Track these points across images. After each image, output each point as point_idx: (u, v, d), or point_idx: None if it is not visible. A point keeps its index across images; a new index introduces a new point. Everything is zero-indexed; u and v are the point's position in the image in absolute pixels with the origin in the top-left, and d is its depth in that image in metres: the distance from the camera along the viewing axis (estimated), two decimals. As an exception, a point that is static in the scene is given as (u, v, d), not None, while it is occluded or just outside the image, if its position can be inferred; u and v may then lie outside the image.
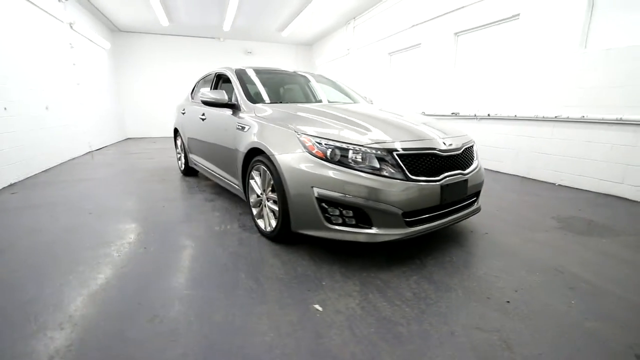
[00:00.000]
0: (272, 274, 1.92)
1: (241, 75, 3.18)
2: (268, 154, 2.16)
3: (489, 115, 4.93)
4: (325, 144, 1.95)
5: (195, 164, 4.09)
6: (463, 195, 2.16)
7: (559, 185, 4.06)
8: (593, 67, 3.63)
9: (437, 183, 1.96)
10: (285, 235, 2.23)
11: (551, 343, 1.37)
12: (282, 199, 2.10)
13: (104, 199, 3.49)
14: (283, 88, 3.35)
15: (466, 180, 2.14)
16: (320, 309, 1.59)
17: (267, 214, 2.37)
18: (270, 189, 2.29)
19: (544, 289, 1.78)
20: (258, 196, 2.47)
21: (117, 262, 2.04)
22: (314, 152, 1.96)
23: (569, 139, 3.95)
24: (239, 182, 2.76)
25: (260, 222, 2.48)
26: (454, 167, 2.10)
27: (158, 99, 10.84)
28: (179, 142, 4.72)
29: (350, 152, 1.90)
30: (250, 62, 11.53)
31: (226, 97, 2.87)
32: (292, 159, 2.02)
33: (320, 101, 3.29)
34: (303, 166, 1.97)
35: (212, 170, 3.46)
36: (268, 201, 2.33)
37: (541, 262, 2.09)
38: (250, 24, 9.36)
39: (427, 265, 2.03)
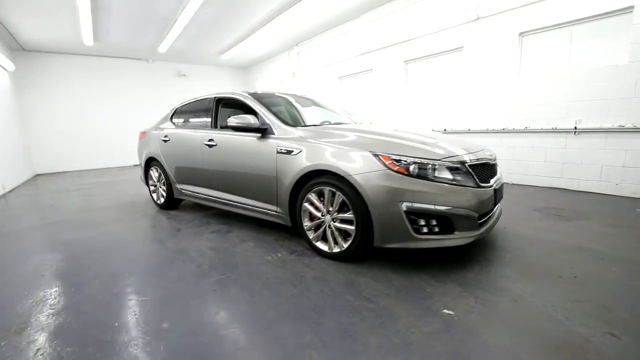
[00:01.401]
0: (376, 292, 1.93)
1: (260, 99, 3.12)
2: (342, 174, 2.20)
3: (445, 130, 5.73)
4: (405, 161, 2.11)
5: (190, 195, 3.73)
6: (501, 198, 2.54)
7: (512, 184, 4.95)
8: (528, 89, 4.63)
9: (492, 188, 2.29)
10: (359, 254, 2.27)
11: (627, 302, 1.75)
12: (363, 217, 2.15)
13: (117, 256, 2.91)
14: (297, 111, 3.38)
15: (502, 184, 2.54)
16: (451, 312, 1.70)
17: (333, 235, 2.36)
18: (337, 209, 2.31)
19: (585, 263, 2.22)
20: (317, 219, 2.44)
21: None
22: (395, 168, 2.09)
23: (515, 146, 4.88)
24: (281, 207, 2.68)
25: (321, 245, 2.45)
26: (494, 174, 2.48)
27: (77, 127, 9.34)
28: (154, 173, 4.21)
29: (429, 166, 2.10)
30: (184, 86, 10.90)
31: (257, 122, 2.79)
32: (375, 177, 2.11)
33: (340, 123, 3.39)
34: (388, 183, 2.08)
35: (225, 199, 3.22)
36: (334, 222, 2.34)
37: (561, 244, 2.58)
38: (189, 47, 8.93)
39: (492, 261, 2.31)
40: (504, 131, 4.95)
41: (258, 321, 1.67)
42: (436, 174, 2.09)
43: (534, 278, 2.04)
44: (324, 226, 2.41)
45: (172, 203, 4.12)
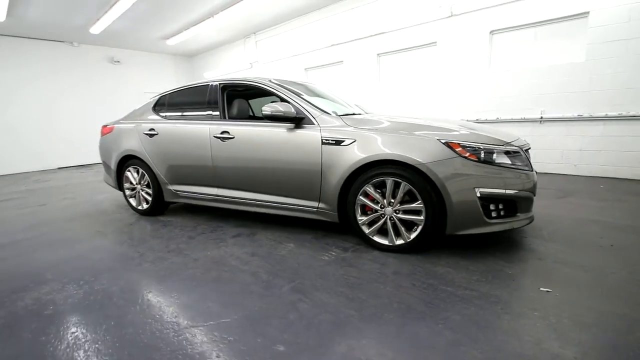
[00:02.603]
0: (465, 279, 1.91)
1: (283, 85, 2.83)
2: (413, 163, 2.11)
3: (420, 121, 6.02)
4: (474, 147, 2.12)
5: (188, 197, 3.24)
6: None
7: (485, 169, 5.44)
8: (498, 83, 5.11)
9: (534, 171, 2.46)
10: (425, 244, 2.23)
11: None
12: (433, 206, 2.11)
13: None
14: (321, 99, 3.14)
15: None
16: (549, 289, 1.77)
17: (395, 228, 2.27)
18: (399, 200, 2.22)
19: (608, 232, 2.53)
20: (372, 212, 2.33)
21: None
22: (466, 155, 2.10)
23: (487, 135, 5.37)
24: (326, 203, 2.49)
25: (379, 239, 2.35)
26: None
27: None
28: (132, 175, 3.56)
29: (495, 152, 2.15)
30: (117, 74, 9.50)
31: (294, 110, 2.53)
32: (448, 164, 2.08)
33: (354, 113, 3.24)
34: (462, 170, 2.07)
35: (245, 199, 2.88)
36: (397, 213, 2.25)
37: (574, 218, 2.90)
38: (129, 29, 7.77)
39: (535, 238, 2.48)
40: (477, 122, 5.39)
41: (385, 325, 1.52)
42: (501, 160, 2.15)
43: (581, 249, 2.25)
44: (384, 219, 2.31)
45: (159, 208, 3.54)
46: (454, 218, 2.11)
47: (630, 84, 4.06)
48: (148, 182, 3.47)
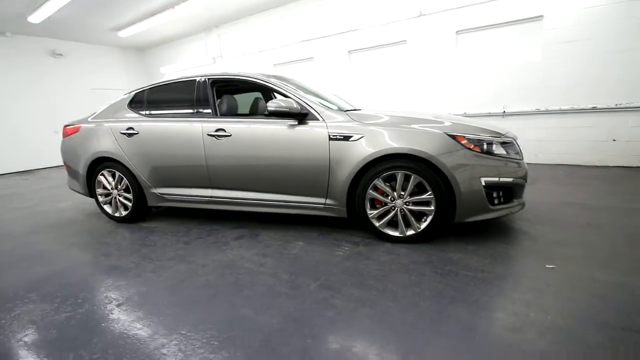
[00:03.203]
0: (480, 264, 2.03)
1: (284, 81, 2.76)
2: (424, 156, 2.18)
3: (393, 116, 6.23)
4: (477, 139, 2.25)
5: (177, 200, 3.03)
6: None
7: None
8: (465, 80, 5.46)
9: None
10: (432, 233, 2.32)
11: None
12: (443, 196, 2.21)
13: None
14: (317, 95, 3.09)
15: None
16: (552, 266, 1.96)
17: (406, 219, 2.34)
18: (410, 192, 2.29)
19: (582, 212, 2.84)
20: (382, 205, 2.38)
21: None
22: (471, 147, 2.22)
23: (456, 129, 5.72)
24: (334, 198, 2.49)
25: (390, 231, 2.40)
26: None
27: None
28: (106, 179, 3.23)
29: (494, 143, 2.30)
30: (59, 68, 8.54)
31: (298, 106, 2.48)
32: (456, 156, 2.18)
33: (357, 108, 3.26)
34: (469, 161, 2.19)
35: (244, 199, 2.77)
36: (407, 205, 2.32)
37: (550, 201, 3.22)
38: (76, 18, 7.00)
39: (524, 222, 2.71)
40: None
41: (425, 313, 1.56)
42: (499, 150, 2.31)
43: (565, 228, 2.51)
44: (394, 211, 2.37)
45: (140, 214, 3.26)
46: (462, 206, 2.23)
47: (580, 81, 4.59)
48: (127, 186, 3.17)
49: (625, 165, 4.51)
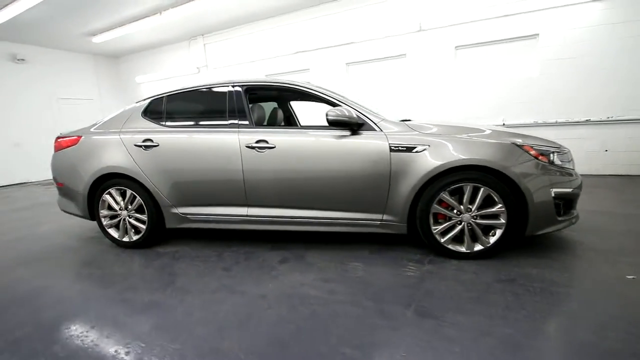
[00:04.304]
0: (561, 278, 1.96)
1: (329, 89, 2.58)
2: (497, 167, 2.09)
3: (393, 128, 6.24)
4: (544, 150, 2.22)
5: (204, 221, 2.69)
6: None
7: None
8: (464, 93, 5.62)
9: None
10: (500, 248, 2.23)
11: None
12: (514, 209, 2.12)
13: None
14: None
15: None
16: (634, 277, 1.92)
17: (473, 233, 2.23)
18: (478, 205, 2.19)
19: (614, 219, 2.91)
20: (446, 219, 2.25)
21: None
22: (539, 158, 2.17)
23: (456, 141, 5.84)
24: (392, 214, 2.32)
25: (455, 247, 2.27)
26: None
27: None
28: (114, 198, 2.80)
29: (556, 154, 2.28)
30: (19, 75, 7.67)
31: (355, 115, 2.31)
32: (527, 167, 2.12)
33: None
34: (540, 172, 2.14)
35: (289, 218, 2.51)
36: (475, 219, 2.21)
37: (580, 209, 3.29)
38: (43, 21, 6.33)
39: (562, 232, 2.72)
40: (447, 128, 5.83)
41: (551, 338, 1.42)
42: (559, 161, 2.29)
43: (612, 237, 2.54)
44: (461, 226, 2.24)
45: (155, 237, 2.86)
46: (534, 219, 2.16)
47: (574, 95, 4.89)
48: (140, 206, 2.77)
49: (617, 173, 4.83)
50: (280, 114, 3.29)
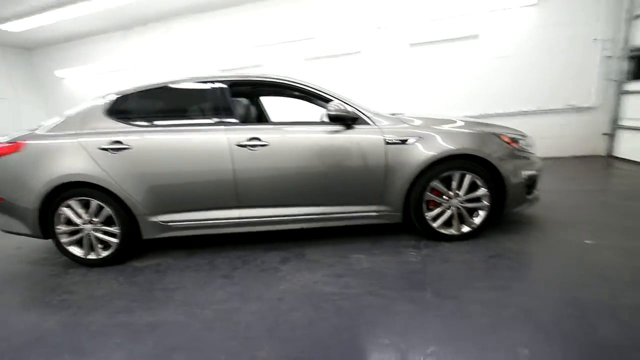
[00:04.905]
0: (532, 248, 2.25)
1: (314, 85, 2.55)
2: (481, 155, 2.30)
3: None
4: (514, 137, 2.49)
5: (188, 227, 2.48)
6: None
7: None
8: (418, 89, 6.00)
9: None
10: (483, 228, 2.46)
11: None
12: (494, 192, 2.37)
13: None
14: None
15: None
16: (591, 241, 2.29)
17: (461, 217, 2.43)
18: (465, 190, 2.38)
19: (564, 197, 3.40)
20: (437, 206, 2.41)
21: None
22: (512, 145, 2.44)
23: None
24: (389, 204, 2.42)
25: (446, 230, 2.45)
26: None
27: None
28: (74, 211, 2.42)
29: (523, 141, 2.58)
30: None
31: (351, 110, 2.34)
32: (505, 155, 2.37)
33: None
34: (514, 159, 2.41)
35: (283, 217, 2.45)
36: (462, 203, 2.40)
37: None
38: None
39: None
40: (403, 121, 6.18)
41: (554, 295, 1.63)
42: (526, 147, 2.61)
43: (565, 211, 2.96)
44: (450, 210, 2.42)
45: (128, 251, 2.56)
46: (510, 199, 2.42)
47: (514, 89, 5.55)
48: (109, 217, 2.45)
49: (551, 156, 5.58)
50: (253, 110, 3.17)
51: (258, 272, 2.24)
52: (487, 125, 2.58)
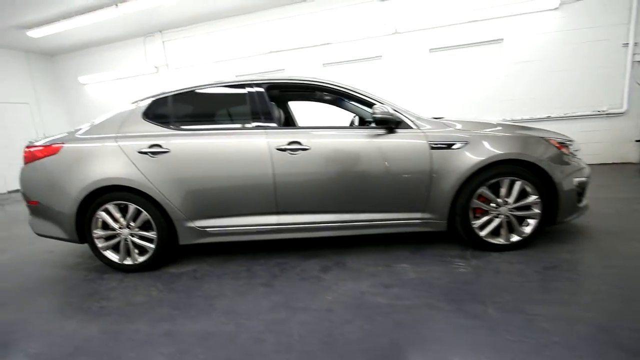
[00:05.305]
0: (586, 261, 2.13)
1: (355, 88, 2.49)
2: (532, 160, 2.20)
3: (372, 128, 6.35)
4: (564, 142, 2.39)
5: (226, 233, 2.42)
6: None
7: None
8: (440, 93, 5.92)
9: None
10: (530, 240, 2.35)
11: None
12: (547, 199, 2.26)
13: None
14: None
15: None
16: (655, 254, 2.16)
17: (510, 226, 2.31)
18: (515, 197, 2.28)
19: (614, 205, 3.27)
20: (484, 214, 2.31)
21: None
22: (563, 150, 2.34)
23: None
24: (432, 212, 2.33)
25: (494, 239, 2.34)
26: None
27: None
28: (110, 217, 2.39)
29: (572, 146, 2.47)
30: None
31: (395, 113, 2.27)
32: (556, 159, 2.27)
33: None
34: (565, 164, 2.30)
35: (322, 223, 2.37)
36: (512, 211, 2.30)
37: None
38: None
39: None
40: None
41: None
42: (575, 152, 2.50)
43: (611, 217, 2.84)
44: (499, 219, 2.32)
45: (164, 257, 2.50)
46: (563, 207, 2.31)
47: (534, 95, 5.43)
48: (146, 222, 2.41)
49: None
50: (282, 114, 3.13)
51: (299, 280, 2.16)
52: (529, 129, 2.48)
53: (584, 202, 2.51)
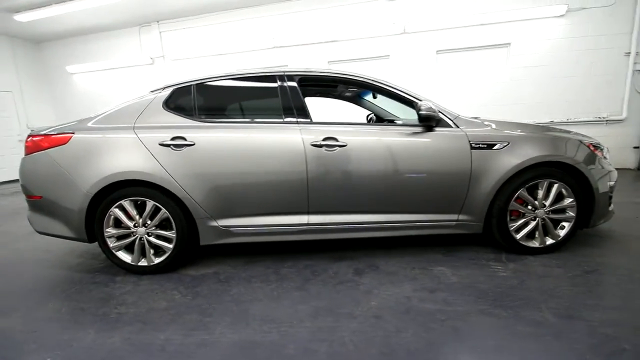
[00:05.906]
0: (624, 265, 2.11)
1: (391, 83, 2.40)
2: (571, 162, 2.17)
3: (376, 128, 6.29)
4: (600, 146, 2.37)
5: (254, 234, 2.27)
6: None
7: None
8: (446, 94, 5.91)
9: None
10: (564, 243, 2.32)
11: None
12: (581, 202, 2.23)
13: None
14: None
15: None
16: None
17: (546, 228, 2.27)
18: (552, 200, 2.23)
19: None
20: (520, 216, 2.26)
21: None
22: (597, 153, 2.31)
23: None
24: (469, 213, 2.26)
25: (528, 242, 2.29)
26: None
27: None
28: (125, 214, 2.20)
29: (603, 149, 2.46)
30: None
31: (437, 111, 2.19)
32: (593, 162, 2.24)
33: None
34: (600, 167, 2.27)
35: (361, 223, 2.27)
36: (548, 214, 2.25)
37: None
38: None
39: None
40: (429, 128, 6.07)
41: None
42: (606, 156, 2.48)
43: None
44: (535, 221, 2.27)
45: (183, 258, 2.33)
46: (598, 211, 2.29)
47: (538, 99, 5.50)
48: (165, 220, 2.23)
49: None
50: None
51: (335, 284, 2.04)
52: (560, 130, 2.45)
53: (612, 206, 2.51)
